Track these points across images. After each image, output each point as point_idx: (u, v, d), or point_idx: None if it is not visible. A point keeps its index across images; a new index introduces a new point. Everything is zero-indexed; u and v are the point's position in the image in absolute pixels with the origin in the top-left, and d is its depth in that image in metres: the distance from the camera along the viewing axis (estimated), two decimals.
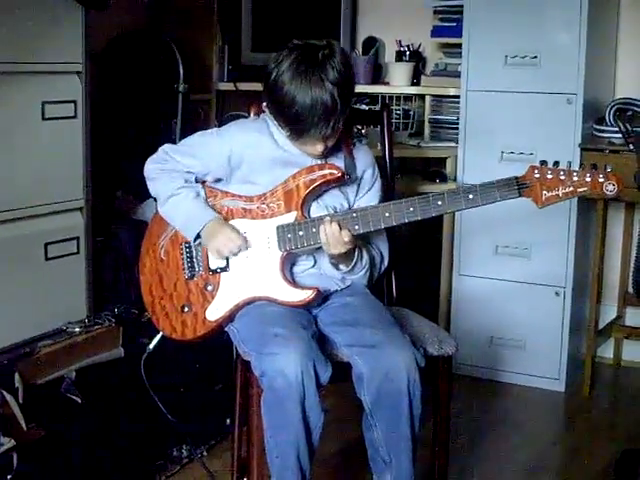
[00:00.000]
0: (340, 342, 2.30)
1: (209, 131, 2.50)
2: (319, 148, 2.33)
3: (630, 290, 3.85)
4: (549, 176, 2.25)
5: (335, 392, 2.89)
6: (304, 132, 2.29)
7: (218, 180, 2.45)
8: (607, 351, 3.95)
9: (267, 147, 2.40)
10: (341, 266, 2.40)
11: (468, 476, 2.94)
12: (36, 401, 2.60)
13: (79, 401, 2.72)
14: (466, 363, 3.75)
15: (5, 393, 2.52)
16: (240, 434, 2.57)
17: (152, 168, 2.48)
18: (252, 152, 2.39)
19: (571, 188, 2.24)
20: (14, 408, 2.52)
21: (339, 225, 2.29)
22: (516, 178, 2.27)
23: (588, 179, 2.23)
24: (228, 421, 2.97)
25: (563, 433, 3.40)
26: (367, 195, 2.48)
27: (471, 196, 2.27)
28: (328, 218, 2.30)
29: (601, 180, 2.22)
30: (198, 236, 2.40)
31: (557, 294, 3.61)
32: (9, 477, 2.44)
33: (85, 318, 3.00)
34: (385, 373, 2.20)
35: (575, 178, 2.23)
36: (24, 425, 2.52)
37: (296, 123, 2.28)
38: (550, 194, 2.25)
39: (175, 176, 2.44)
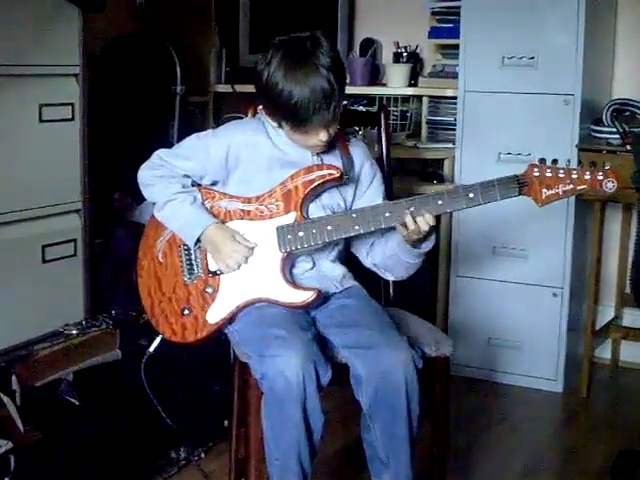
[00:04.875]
0: (338, 344, 2.30)
1: (204, 133, 2.49)
2: (323, 137, 2.32)
3: (628, 291, 3.85)
4: (548, 174, 2.25)
5: (333, 394, 2.88)
6: (307, 122, 2.27)
7: (214, 183, 2.45)
8: (605, 352, 3.95)
9: (264, 147, 2.39)
10: (424, 245, 2.36)
11: (466, 477, 2.94)
12: (33, 403, 2.60)
13: (77, 403, 2.71)
14: (464, 364, 3.75)
15: (2, 395, 2.51)
16: (238, 436, 2.57)
17: (147, 175, 2.46)
18: (249, 152, 2.39)
19: (571, 186, 2.24)
20: (11, 410, 2.51)
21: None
22: (516, 176, 2.27)
23: (587, 177, 2.23)
24: (226, 423, 2.97)
25: (561, 434, 3.40)
26: (370, 190, 2.47)
27: (471, 195, 2.27)
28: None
29: (600, 177, 2.23)
30: (198, 240, 2.40)
31: (554, 295, 3.61)
32: (6, 479, 2.44)
33: (82, 320, 3.00)
34: (382, 374, 2.20)
35: (574, 176, 2.24)
36: (21, 427, 2.52)
37: (297, 115, 2.27)
38: (550, 192, 2.25)
39: (171, 181, 2.43)
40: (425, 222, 2.28)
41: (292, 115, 2.28)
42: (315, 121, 2.27)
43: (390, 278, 2.52)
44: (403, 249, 2.37)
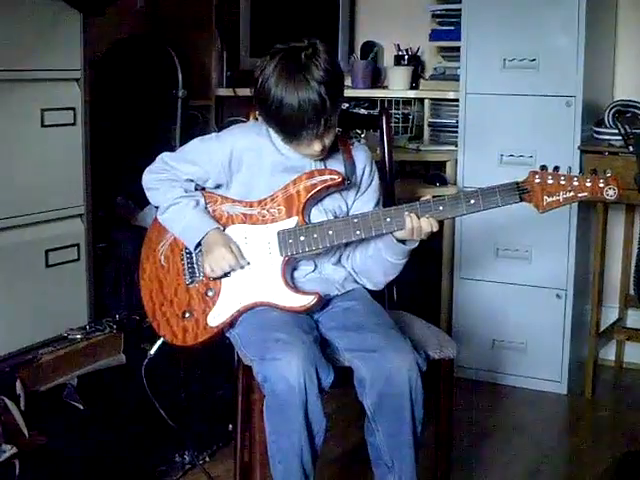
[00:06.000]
0: (341, 347, 2.30)
1: (208, 136, 2.50)
2: (316, 147, 2.32)
3: (631, 292, 3.85)
4: (550, 181, 2.25)
5: (337, 397, 2.89)
6: (296, 134, 2.28)
7: (218, 186, 2.45)
8: (609, 353, 3.95)
9: (267, 151, 2.40)
10: (408, 242, 2.36)
11: (470, 479, 2.94)
12: (38, 408, 2.60)
13: (81, 408, 2.71)
14: (468, 366, 3.75)
15: (7, 400, 2.51)
16: (242, 439, 2.57)
17: (150, 178, 2.48)
18: (252, 155, 2.39)
19: (572, 193, 2.25)
20: (16, 415, 2.51)
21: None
22: (517, 183, 2.27)
23: (588, 184, 2.23)
24: (230, 427, 2.97)
25: (565, 435, 3.40)
26: (364, 195, 2.47)
27: (472, 201, 2.28)
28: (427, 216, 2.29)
29: (601, 185, 2.23)
30: (199, 244, 2.40)
31: (558, 296, 3.61)
32: None
33: (86, 325, 3.00)
34: (386, 377, 2.20)
35: (575, 183, 2.24)
36: (26, 432, 2.51)
37: (287, 126, 2.28)
38: (551, 199, 2.25)
39: (175, 185, 2.44)
40: (429, 224, 2.28)
41: (282, 125, 2.29)
42: (305, 134, 2.28)
43: (367, 285, 2.50)
44: (388, 244, 2.36)
